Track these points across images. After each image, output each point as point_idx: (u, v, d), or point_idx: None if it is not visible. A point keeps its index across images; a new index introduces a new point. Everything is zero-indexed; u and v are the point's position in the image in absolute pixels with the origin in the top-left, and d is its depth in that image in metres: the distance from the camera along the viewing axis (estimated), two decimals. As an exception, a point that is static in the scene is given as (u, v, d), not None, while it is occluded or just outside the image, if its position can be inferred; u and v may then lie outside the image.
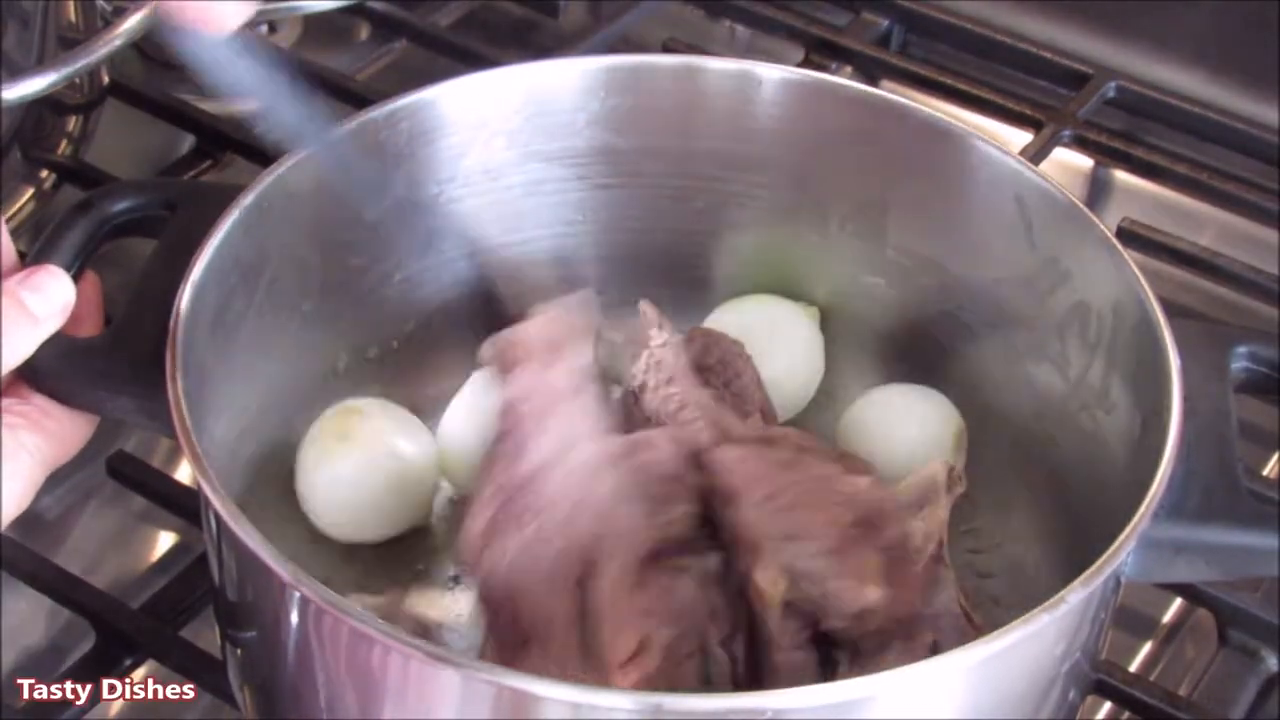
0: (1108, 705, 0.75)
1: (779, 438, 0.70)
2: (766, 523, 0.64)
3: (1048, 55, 1.08)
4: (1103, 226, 0.70)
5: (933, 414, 0.76)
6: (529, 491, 0.64)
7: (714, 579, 0.65)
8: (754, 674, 0.64)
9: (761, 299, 0.81)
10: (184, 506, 0.78)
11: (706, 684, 0.63)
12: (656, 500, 0.65)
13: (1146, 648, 0.80)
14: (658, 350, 0.73)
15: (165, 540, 0.82)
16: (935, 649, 0.65)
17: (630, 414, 0.73)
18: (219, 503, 0.58)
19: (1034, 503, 0.73)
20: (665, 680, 0.61)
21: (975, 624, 0.67)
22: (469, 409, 0.74)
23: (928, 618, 0.67)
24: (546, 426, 0.66)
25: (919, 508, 0.69)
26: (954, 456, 0.75)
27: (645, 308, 0.75)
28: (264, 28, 1.09)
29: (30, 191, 0.92)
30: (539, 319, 0.70)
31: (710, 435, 0.69)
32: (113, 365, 0.66)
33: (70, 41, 0.86)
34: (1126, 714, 0.75)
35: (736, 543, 0.64)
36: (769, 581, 0.63)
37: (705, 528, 0.66)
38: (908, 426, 0.76)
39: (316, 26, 1.12)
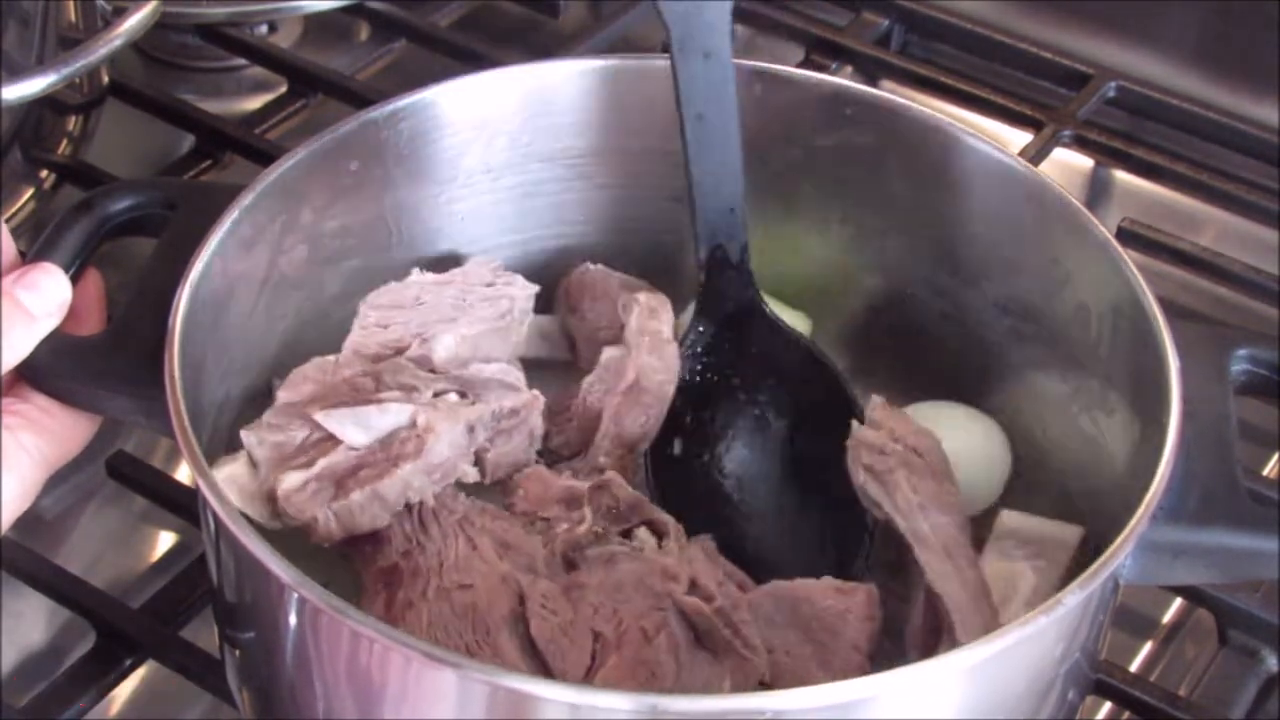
0: (1108, 705, 0.75)
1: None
2: None
3: (1048, 55, 1.08)
4: (1102, 227, 0.70)
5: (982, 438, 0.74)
6: (411, 560, 0.64)
7: (652, 549, 0.65)
8: None
9: None
10: (184, 506, 0.78)
11: (697, 642, 0.63)
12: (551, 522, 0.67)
13: (1146, 648, 0.80)
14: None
15: (165, 540, 0.82)
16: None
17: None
18: (218, 503, 0.58)
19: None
20: (645, 666, 0.61)
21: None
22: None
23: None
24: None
25: None
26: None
27: None
28: (264, 28, 1.09)
29: (30, 191, 0.92)
30: None
31: None
32: (112, 365, 0.66)
33: (70, 41, 0.86)
34: (1126, 714, 0.75)
35: None
36: None
37: (615, 523, 0.66)
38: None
39: (316, 26, 1.12)
